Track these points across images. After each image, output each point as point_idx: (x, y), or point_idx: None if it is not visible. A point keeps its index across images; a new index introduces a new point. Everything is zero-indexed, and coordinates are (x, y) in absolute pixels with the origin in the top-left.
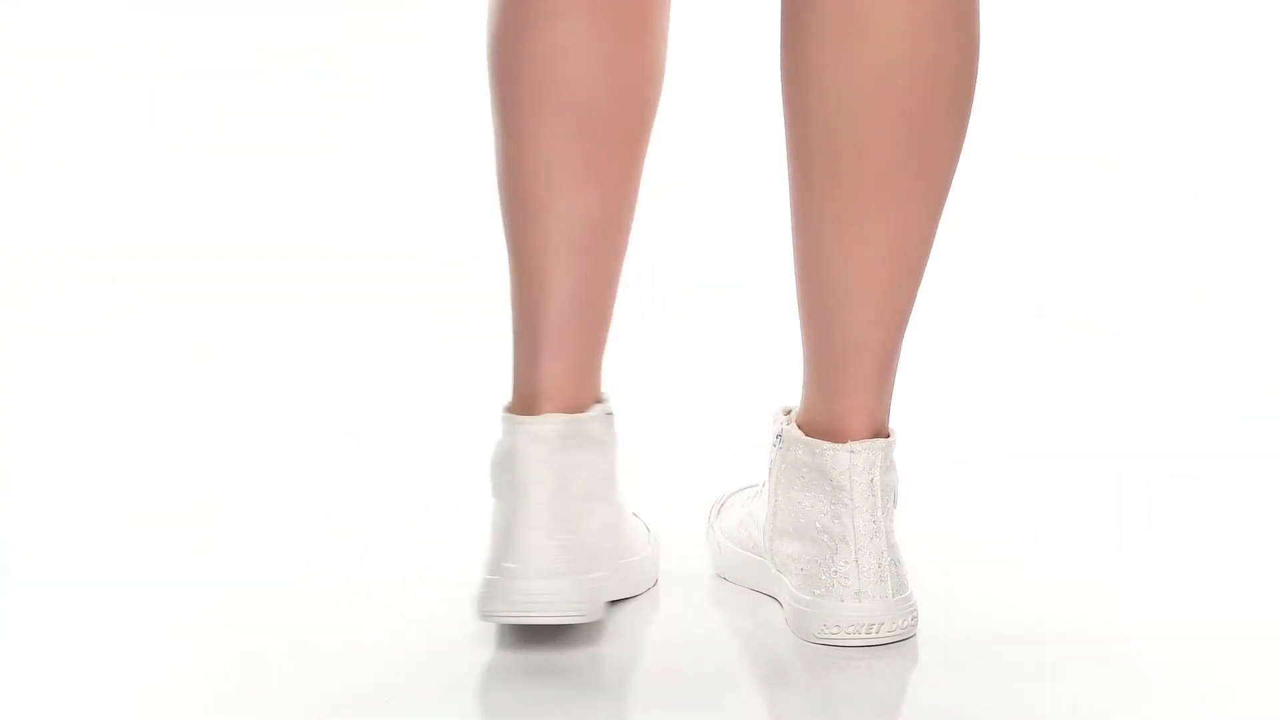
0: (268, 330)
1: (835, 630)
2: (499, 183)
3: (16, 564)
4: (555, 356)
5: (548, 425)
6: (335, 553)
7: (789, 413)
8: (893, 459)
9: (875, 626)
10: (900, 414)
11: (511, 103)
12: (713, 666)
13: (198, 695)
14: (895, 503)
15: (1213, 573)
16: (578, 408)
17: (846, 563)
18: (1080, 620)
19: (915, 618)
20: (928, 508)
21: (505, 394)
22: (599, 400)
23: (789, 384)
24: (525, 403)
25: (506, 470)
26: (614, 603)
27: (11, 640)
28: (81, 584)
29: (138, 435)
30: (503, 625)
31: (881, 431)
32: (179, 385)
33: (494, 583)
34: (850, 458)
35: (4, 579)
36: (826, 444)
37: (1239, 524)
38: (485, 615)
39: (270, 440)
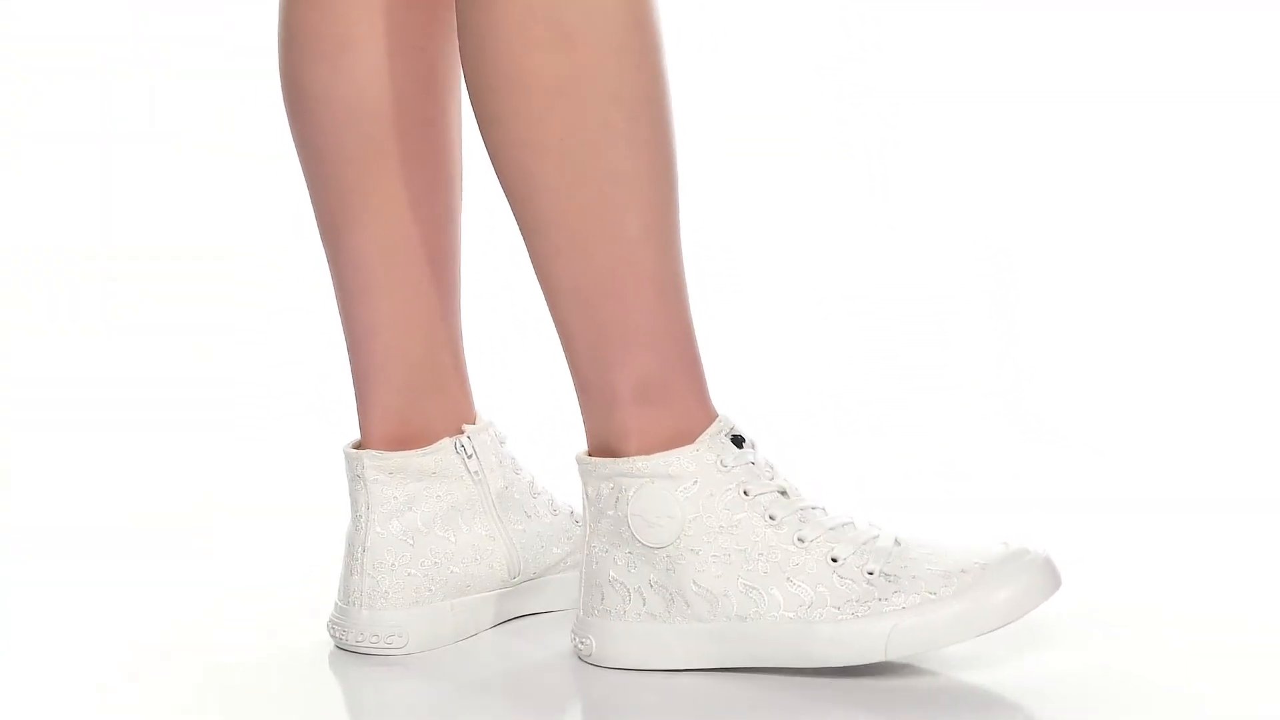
0: (268, 330)
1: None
2: None
3: (16, 564)
4: (371, 394)
5: (366, 460)
6: (334, 554)
7: None
8: (616, 482)
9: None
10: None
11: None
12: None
13: (196, 695)
14: (630, 526)
15: (1206, 577)
16: (415, 441)
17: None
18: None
19: (579, 640)
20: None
21: (508, 394)
22: (461, 429)
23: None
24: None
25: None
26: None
27: (11, 640)
28: (81, 584)
29: (138, 435)
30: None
31: (607, 448)
32: (179, 385)
33: (336, 607)
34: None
35: (4, 579)
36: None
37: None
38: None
39: (270, 441)
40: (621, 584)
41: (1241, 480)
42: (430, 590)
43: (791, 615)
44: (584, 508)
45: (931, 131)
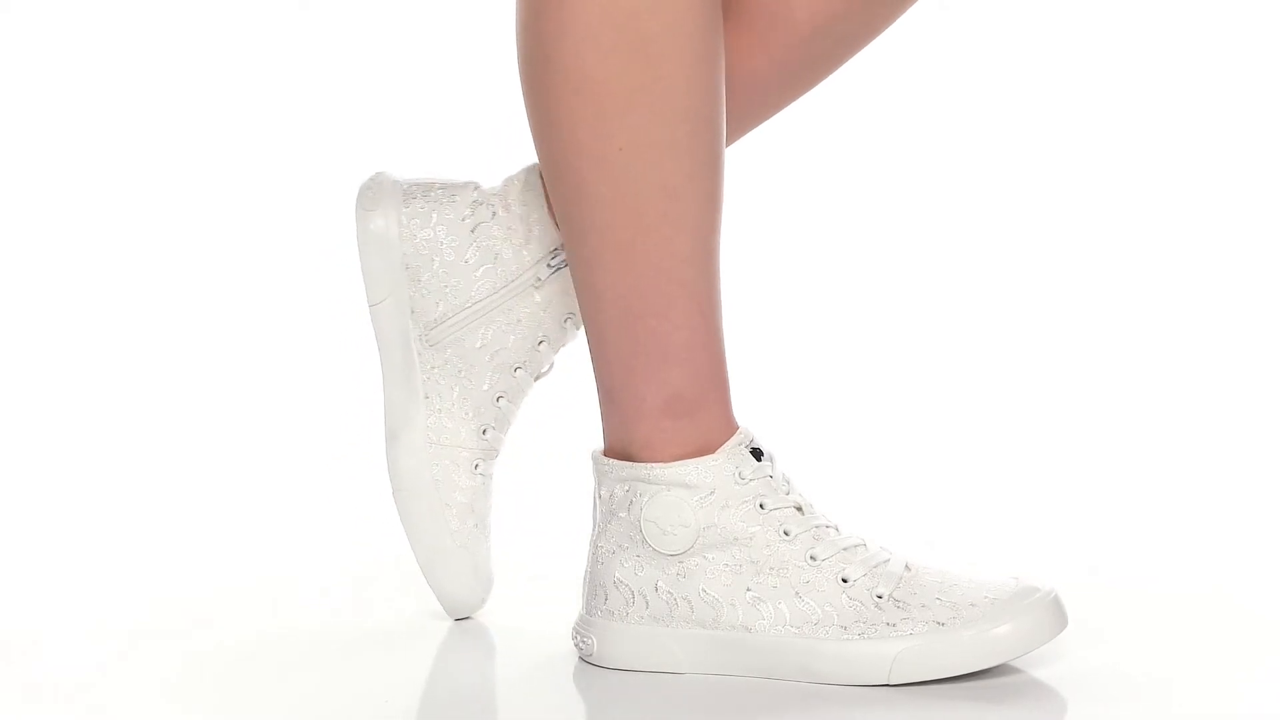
0: (268, 331)
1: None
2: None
3: (14, 563)
4: None
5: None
6: (333, 557)
7: None
8: (632, 486)
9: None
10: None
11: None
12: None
13: (195, 694)
14: (642, 532)
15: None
16: None
17: None
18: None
19: (580, 639)
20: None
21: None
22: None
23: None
24: None
25: None
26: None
27: (9, 639)
28: (78, 586)
29: (137, 436)
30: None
31: (626, 455)
32: (178, 385)
33: None
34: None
35: (2, 578)
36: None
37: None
38: None
39: (269, 442)
40: (626, 586)
41: (1239, 482)
42: None
43: (796, 631)
44: (594, 506)
45: (940, 140)
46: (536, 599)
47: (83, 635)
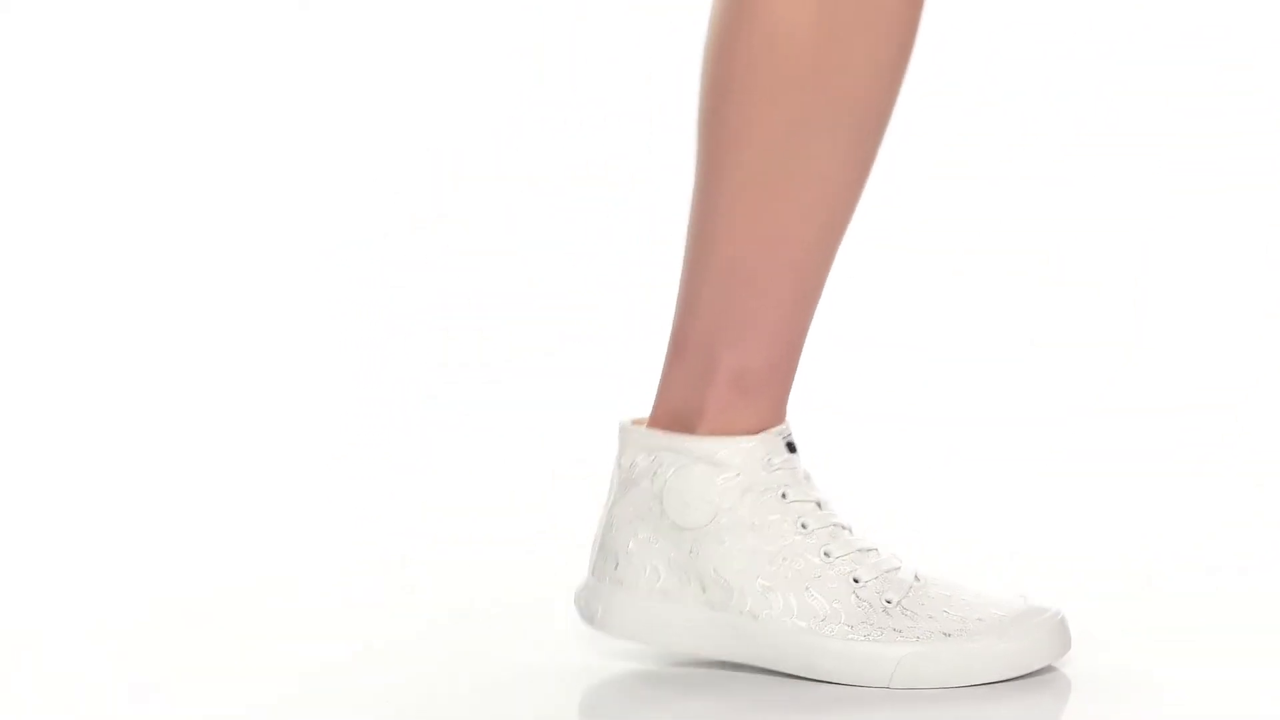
0: (268, 330)
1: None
2: None
3: (14, 563)
4: None
5: None
6: (333, 557)
7: None
8: (657, 456)
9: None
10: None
11: None
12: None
13: (194, 694)
14: (663, 501)
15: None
16: None
17: None
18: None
19: (585, 604)
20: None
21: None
22: None
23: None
24: None
25: None
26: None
27: (9, 639)
28: (78, 586)
29: (136, 436)
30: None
31: (677, 417)
32: (178, 385)
33: None
34: None
35: (2, 578)
36: None
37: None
38: None
39: (269, 442)
40: (639, 556)
41: (1238, 482)
42: None
43: (804, 625)
44: (613, 475)
45: (934, 139)
46: (537, 597)
47: (83, 635)
